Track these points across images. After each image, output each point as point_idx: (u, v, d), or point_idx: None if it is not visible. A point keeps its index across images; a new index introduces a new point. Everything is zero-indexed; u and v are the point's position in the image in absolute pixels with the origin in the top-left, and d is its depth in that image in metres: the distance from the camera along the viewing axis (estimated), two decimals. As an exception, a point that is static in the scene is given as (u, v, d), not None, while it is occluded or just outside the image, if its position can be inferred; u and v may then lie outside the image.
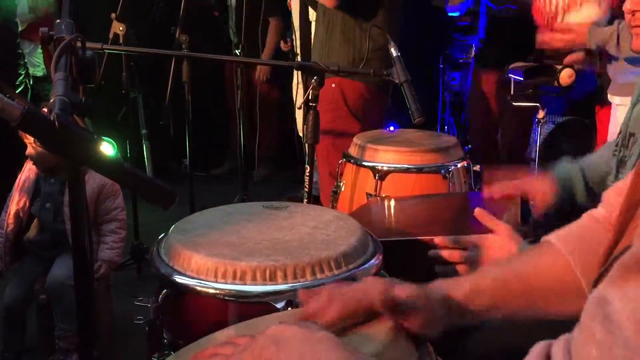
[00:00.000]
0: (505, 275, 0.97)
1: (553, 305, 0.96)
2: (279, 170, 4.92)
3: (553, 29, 2.37)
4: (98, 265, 2.37)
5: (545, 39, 2.43)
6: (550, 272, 0.97)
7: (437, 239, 1.32)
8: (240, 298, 1.11)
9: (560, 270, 0.97)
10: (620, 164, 1.38)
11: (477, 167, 2.43)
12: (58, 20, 1.08)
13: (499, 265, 1.03)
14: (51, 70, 0.99)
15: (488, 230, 1.32)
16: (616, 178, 1.40)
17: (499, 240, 1.28)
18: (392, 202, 1.86)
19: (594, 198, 1.54)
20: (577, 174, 1.57)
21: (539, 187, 1.56)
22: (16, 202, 2.34)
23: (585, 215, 1.05)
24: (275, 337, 0.74)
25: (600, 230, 1.00)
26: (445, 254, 1.32)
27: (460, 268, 1.30)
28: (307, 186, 1.88)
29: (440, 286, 0.96)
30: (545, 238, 1.03)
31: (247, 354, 0.75)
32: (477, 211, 1.33)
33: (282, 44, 4.37)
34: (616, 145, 1.42)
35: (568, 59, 2.71)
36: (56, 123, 0.85)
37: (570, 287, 0.95)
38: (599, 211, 1.04)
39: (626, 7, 1.67)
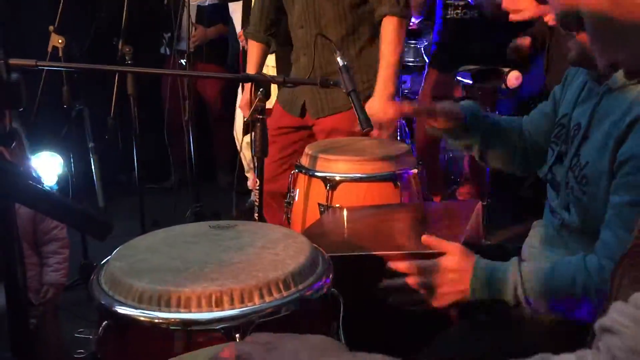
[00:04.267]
0: None
1: None
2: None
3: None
4: (45, 290, 2.28)
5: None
6: None
7: (391, 264, 1.30)
8: (186, 326, 1.07)
9: None
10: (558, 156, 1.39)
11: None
12: (-22, 42, 1.02)
13: None
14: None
15: (448, 239, 1.32)
16: (549, 171, 1.40)
17: (453, 260, 1.27)
18: (345, 213, 1.85)
19: (485, 142, 1.60)
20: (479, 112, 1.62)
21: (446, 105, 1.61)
22: None
23: None
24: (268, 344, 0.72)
25: None
26: (399, 281, 1.29)
27: (416, 295, 1.29)
28: (256, 200, 1.84)
29: None
30: None
31: None
32: (424, 239, 1.32)
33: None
34: (555, 137, 1.43)
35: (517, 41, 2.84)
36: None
37: None
38: None
39: None
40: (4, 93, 0.95)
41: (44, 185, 2.26)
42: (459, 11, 3.50)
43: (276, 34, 2.76)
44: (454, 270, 1.27)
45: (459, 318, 1.35)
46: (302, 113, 2.58)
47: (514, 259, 1.26)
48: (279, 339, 0.79)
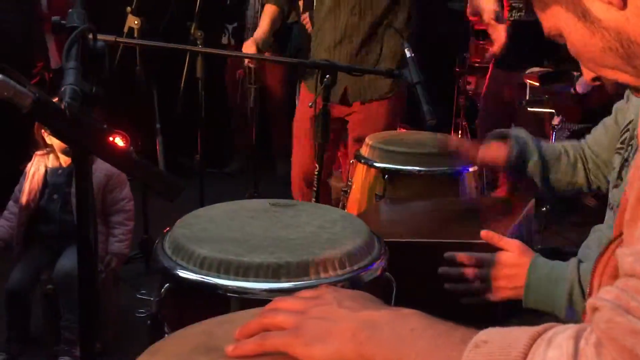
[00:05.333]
0: None
1: None
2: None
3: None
4: (109, 258, 2.39)
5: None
6: None
7: (449, 254, 1.31)
8: (243, 294, 1.10)
9: None
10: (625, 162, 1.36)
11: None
12: (70, 10, 1.09)
13: None
14: (62, 60, 0.99)
15: (500, 234, 1.31)
16: (618, 176, 1.37)
17: (512, 256, 1.27)
18: (401, 204, 1.85)
19: (545, 169, 1.56)
20: (531, 141, 1.60)
21: (494, 149, 1.61)
22: (27, 193, 2.37)
23: None
24: (366, 321, 0.72)
25: None
26: (457, 270, 1.30)
27: (472, 285, 1.29)
28: (315, 185, 1.87)
29: None
30: None
31: (334, 336, 0.72)
32: (483, 234, 1.31)
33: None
34: (621, 144, 1.40)
35: None
36: (66, 111, 0.85)
37: None
38: None
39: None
40: (91, 58, 1.01)
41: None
42: (521, 13, 3.44)
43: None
44: (512, 265, 1.26)
45: (507, 317, 1.34)
46: (343, 99, 2.59)
47: (574, 259, 1.24)
48: (319, 292, 0.81)
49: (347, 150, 2.70)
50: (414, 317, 0.72)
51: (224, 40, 4.67)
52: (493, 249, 1.29)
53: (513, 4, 3.45)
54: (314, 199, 1.88)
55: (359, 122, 2.56)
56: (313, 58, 2.57)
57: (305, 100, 2.66)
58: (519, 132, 1.64)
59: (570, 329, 0.60)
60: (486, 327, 0.66)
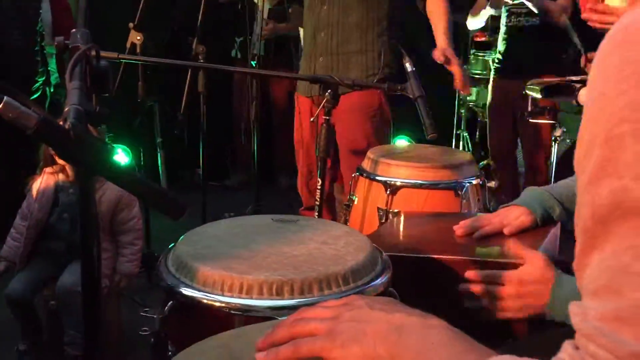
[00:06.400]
0: None
1: None
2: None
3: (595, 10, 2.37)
4: (118, 279, 2.38)
5: (585, 16, 2.44)
6: None
7: (468, 274, 1.27)
8: (246, 312, 1.10)
9: None
10: None
11: (492, 184, 2.40)
12: (73, 30, 1.09)
13: None
14: (66, 80, 0.99)
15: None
16: None
17: (534, 272, 1.22)
18: (403, 218, 1.84)
19: (569, 212, 1.49)
20: (545, 194, 1.52)
21: (512, 215, 1.50)
22: (36, 211, 2.36)
23: None
24: (397, 324, 0.74)
25: None
26: (476, 288, 1.26)
27: (491, 304, 1.24)
28: (317, 199, 1.87)
29: None
30: None
31: (369, 337, 0.74)
32: (510, 242, 1.28)
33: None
34: None
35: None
36: (71, 132, 0.85)
37: None
38: None
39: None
40: (94, 78, 1.02)
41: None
42: (521, 18, 3.45)
43: None
44: (536, 282, 1.21)
45: (528, 331, 1.31)
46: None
47: None
48: (348, 299, 0.82)
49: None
50: (437, 330, 0.73)
51: (233, 54, 4.69)
52: (505, 266, 1.26)
53: (512, 9, 3.46)
54: (316, 214, 1.88)
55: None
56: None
57: (301, 108, 2.69)
58: (527, 199, 1.54)
59: None
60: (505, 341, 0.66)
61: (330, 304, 0.84)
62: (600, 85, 0.58)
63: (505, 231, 1.47)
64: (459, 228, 1.51)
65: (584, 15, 2.29)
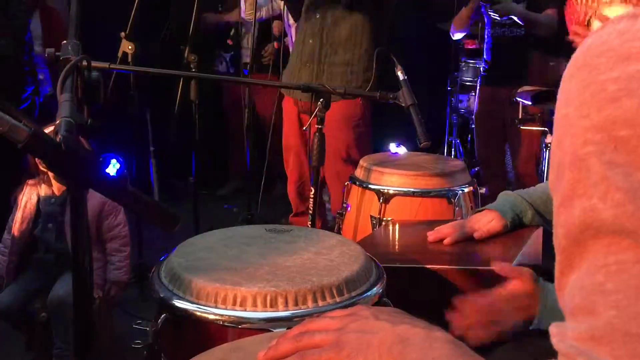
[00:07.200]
0: None
1: None
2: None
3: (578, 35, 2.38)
4: (108, 287, 2.37)
5: (570, 38, 2.44)
6: None
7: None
8: (240, 324, 1.09)
9: None
10: None
11: (482, 190, 2.41)
12: (64, 42, 1.09)
13: None
14: (57, 92, 0.99)
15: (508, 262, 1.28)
16: None
17: (525, 286, 1.23)
18: (397, 227, 1.84)
19: (543, 216, 1.53)
20: (518, 198, 1.55)
21: (483, 220, 1.54)
22: (19, 223, 2.35)
23: None
24: (401, 335, 0.74)
25: None
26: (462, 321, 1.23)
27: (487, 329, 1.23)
28: (311, 208, 1.87)
29: None
30: None
31: (374, 347, 0.74)
32: (497, 267, 1.26)
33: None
34: None
35: None
36: (62, 145, 0.84)
37: None
38: None
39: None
40: (85, 89, 1.01)
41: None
42: (505, 29, 3.48)
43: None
44: (527, 296, 1.22)
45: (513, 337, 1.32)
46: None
47: None
48: (353, 310, 0.82)
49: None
50: (440, 343, 0.72)
51: (222, 68, 4.70)
52: (494, 274, 1.26)
53: (495, 20, 3.48)
54: (309, 223, 1.87)
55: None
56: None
57: (288, 114, 2.70)
58: (499, 203, 1.57)
59: None
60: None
61: (336, 314, 0.84)
62: (563, 109, 0.60)
63: (476, 235, 1.51)
64: (432, 234, 1.55)
65: (569, 38, 2.31)
